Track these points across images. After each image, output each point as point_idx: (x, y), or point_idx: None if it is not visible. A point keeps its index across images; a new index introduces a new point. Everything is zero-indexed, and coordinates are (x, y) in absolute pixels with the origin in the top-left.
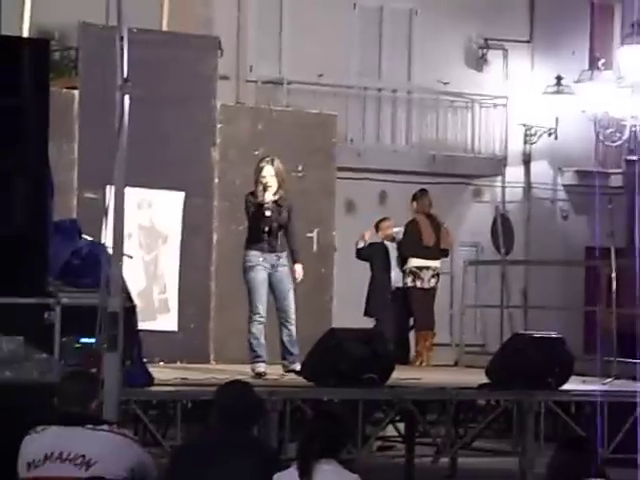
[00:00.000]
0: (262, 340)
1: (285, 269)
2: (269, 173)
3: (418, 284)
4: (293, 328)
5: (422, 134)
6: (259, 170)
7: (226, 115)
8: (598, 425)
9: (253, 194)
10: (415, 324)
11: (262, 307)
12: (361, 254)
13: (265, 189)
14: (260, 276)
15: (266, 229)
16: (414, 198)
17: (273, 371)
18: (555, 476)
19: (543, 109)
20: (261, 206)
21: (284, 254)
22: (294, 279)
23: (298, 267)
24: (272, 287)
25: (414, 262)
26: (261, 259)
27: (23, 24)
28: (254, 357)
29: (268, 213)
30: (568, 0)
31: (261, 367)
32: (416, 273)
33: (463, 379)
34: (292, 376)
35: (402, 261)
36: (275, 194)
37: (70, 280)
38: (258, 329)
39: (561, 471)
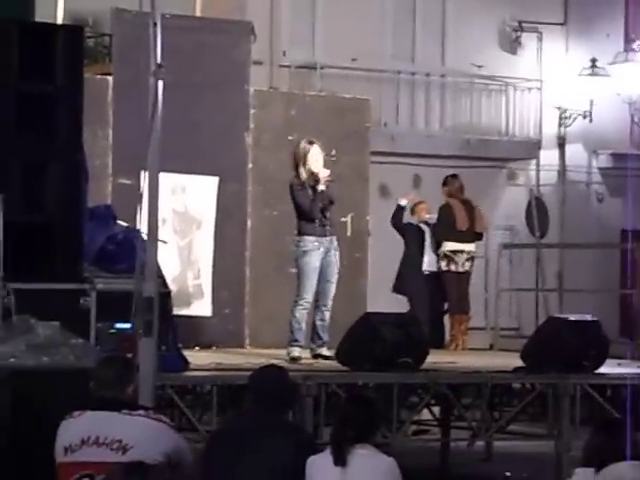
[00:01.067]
0: (303, 325)
1: (336, 254)
2: (317, 152)
3: (452, 268)
4: (328, 314)
5: (456, 118)
6: (306, 151)
7: (259, 100)
8: (634, 408)
9: (299, 177)
10: (449, 308)
11: (311, 293)
12: (397, 220)
13: (318, 166)
14: (314, 262)
15: (321, 205)
16: (445, 183)
17: (307, 355)
18: (591, 458)
19: (578, 92)
20: (314, 184)
21: (335, 238)
22: None
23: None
24: (321, 270)
25: (448, 246)
26: (317, 244)
27: (57, 11)
28: (292, 341)
29: (323, 187)
30: None
31: (296, 351)
32: (450, 257)
33: (498, 363)
34: (324, 360)
35: (436, 245)
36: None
37: (105, 266)
38: (302, 314)
39: (597, 453)
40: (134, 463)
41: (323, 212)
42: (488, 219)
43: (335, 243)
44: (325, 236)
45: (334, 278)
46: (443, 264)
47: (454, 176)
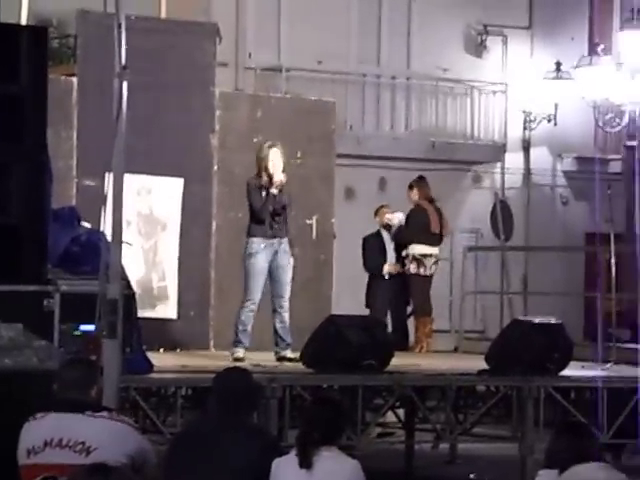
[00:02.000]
0: (249, 328)
1: (286, 255)
2: (277, 156)
3: (421, 271)
4: (286, 315)
5: (421, 121)
6: (265, 154)
7: (225, 102)
8: (598, 410)
9: (257, 178)
10: (414, 310)
11: (257, 295)
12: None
13: (274, 170)
14: (260, 264)
15: (271, 208)
16: (412, 186)
17: (269, 357)
18: (553, 460)
19: (542, 95)
20: (268, 187)
21: (286, 240)
22: None
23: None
24: (271, 273)
25: (419, 249)
26: (263, 245)
27: (21, 12)
28: (235, 342)
29: (275, 191)
30: None
31: (240, 352)
32: (420, 260)
33: (463, 365)
34: (288, 363)
35: (400, 247)
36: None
37: (69, 267)
38: (248, 317)
39: (559, 455)
40: (97, 464)
41: (273, 216)
42: (452, 222)
43: (285, 246)
44: (274, 238)
45: (286, 279)
46: (412, 267)
47: (422, 178)
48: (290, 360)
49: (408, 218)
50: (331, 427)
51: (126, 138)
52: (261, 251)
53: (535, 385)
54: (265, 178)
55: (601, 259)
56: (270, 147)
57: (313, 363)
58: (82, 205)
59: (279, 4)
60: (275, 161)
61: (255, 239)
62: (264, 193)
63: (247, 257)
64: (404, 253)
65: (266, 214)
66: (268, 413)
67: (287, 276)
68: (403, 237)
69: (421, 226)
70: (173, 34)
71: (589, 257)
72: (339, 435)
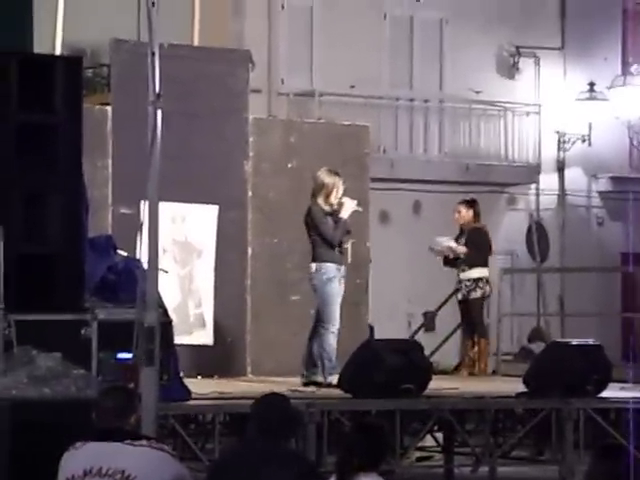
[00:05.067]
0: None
1: (344, 282)
2: (341, 184)
3: (487, 291)
4: None
5: (455, 143)
6: (333, 181)
7: (258, 128)
8: (638, 432)
9: (318, 204)
10: (473, 332)
11: (338, 319)
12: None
13: (340, 196)
14: (337, 288)
15: (343, 236)
16: (471, 206)
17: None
18: None
19: (576, 116)
20: (336, 212)
21: (344, 267)
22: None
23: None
24: None
25: (482, 272)
26: (337, 271)
27: (55, 42)
28: (331, 368)
29: (346, 216)
30: (600, 6)
31: (336, 379)
32: (488, 282)
33: (501, 388)
34: (324, 389)
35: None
36: None
37: (106, 296)
38: (335, 342)
39: (599, 479)
40: None
41: (340, 242)
42: None
43: (345, 273)
44: (342, 264)
45: (338, 306)
46: (487, 290)
47: (475, 201)
48: (320, 385)
49: (474, 240)
50: (371, 453)
51: (160, 166)
52: (337, 275)
53: (574, 407)
54: (326, 204)
55: (637, 279)
56: (337, 175)
57: (351, 387)
58: (118, 233)
59: (311, 30)
60: (341, 189)
61: (330, 264)
62: (329, 219)
63: (326, 282)
64: (467, 277)
65: (337, 240)
66: (306, 439)
67: (340, 302)
68: (473, 260)
69: (485, 249)
70: (206, 61)
71: (626, 277)
72: (380, 461)
